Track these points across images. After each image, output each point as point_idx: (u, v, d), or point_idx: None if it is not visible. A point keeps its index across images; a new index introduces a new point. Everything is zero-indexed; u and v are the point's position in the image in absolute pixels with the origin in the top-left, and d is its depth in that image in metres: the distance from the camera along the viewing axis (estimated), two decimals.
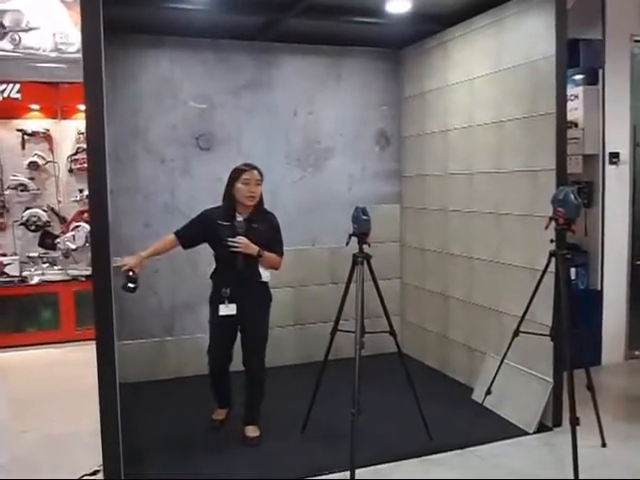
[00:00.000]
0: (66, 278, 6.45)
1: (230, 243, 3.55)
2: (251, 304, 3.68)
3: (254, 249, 3.60)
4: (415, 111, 5.36)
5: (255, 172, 3.67)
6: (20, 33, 6.15)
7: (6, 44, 6.12)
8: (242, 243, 3.57)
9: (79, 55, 5.80)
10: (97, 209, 2.99)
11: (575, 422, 3.23)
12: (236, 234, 3.57)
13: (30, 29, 6.17)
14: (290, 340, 5.29)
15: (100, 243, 3.00)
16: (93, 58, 2.93)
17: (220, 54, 5.04)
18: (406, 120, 5.53)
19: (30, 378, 5.18)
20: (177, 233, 3.73)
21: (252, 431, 3.80)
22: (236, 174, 3.67)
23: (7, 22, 6.11)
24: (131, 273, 3.40)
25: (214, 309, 3.70)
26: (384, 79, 5.55)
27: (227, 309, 3.64)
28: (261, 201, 3.73)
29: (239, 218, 3.65)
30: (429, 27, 4.86)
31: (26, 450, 3.76)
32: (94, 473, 3.34)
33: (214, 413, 4.04)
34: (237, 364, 3.79)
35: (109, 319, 3.04)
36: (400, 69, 5.55)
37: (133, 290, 3.39)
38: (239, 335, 3.78)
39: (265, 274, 3.73)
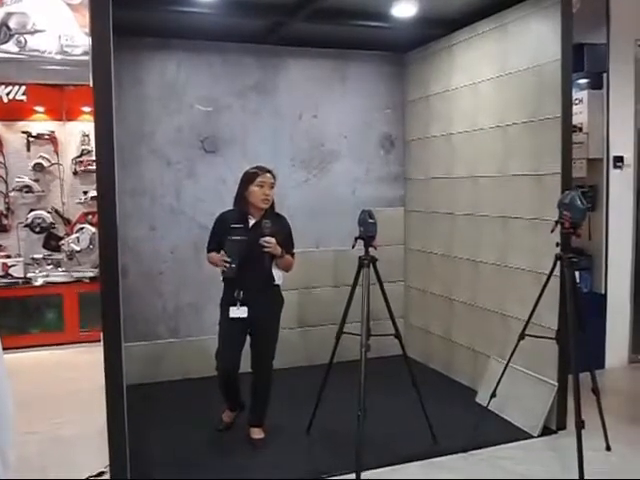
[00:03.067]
0: (70, 280, 6.47)
1: (263, 243, 3.52)
2: (264, 307, 3.67)
3: (279, 250, 3.60)
4: (419, 114, 5.37)
5: (269, 175, 3.67)
6: (26, 35, 6.17)
7: (12, 46, 6.14)
8: (272, 243, 3.55)
9: (84, 57, 5.96)
10: (106, 212, 2.99)
11: (581, 425, 3.24)
12: (262, 235, 3.54)
13: (36, 31, 6.19)
14: (294, 342, 5.29)
15: (108, 245, 3.00)
16: (103, 61, 2.94)
17: (226, 57, 5.05)
18: (410, 123, 5.54)
19: (35, 380, 5.18)
20: (209, 250, 3.78)
21: (257, 433, 3.80)
22: (250, 177, 3.66)
23: (13, 24, 6.13)
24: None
25: (225, 312, 3.67)
26: (389, 82, 5.55)
27: (238, 312, 3.61)
28: (273, 204, 3.72)
29: (252, 220, 3.66)
30: (434, 31, 4.87)
31: (32, 451, 3.76)
32: (100, 474, 3.35)
33: (224, 414, 4.03)
34: (244, 365, 3.77)
35: (117, 321, 3.04)
36: (405, 72, 5.56)
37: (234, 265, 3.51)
38: (248, 338, 3.76)
39: (278, 276, 3.72)
